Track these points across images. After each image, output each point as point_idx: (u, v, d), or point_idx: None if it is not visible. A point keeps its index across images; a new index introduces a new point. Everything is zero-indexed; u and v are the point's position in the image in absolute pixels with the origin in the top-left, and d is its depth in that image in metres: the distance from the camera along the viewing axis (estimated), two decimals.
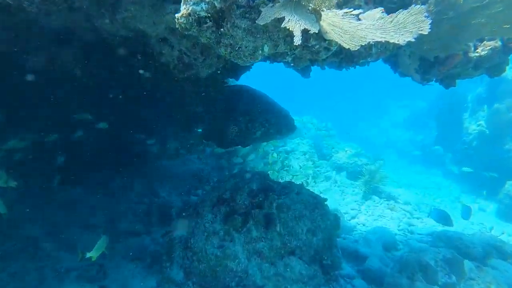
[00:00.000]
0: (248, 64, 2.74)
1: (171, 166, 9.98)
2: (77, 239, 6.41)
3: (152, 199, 7.83)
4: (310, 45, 2.58)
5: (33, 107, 6.03)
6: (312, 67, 5.45)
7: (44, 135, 6.20)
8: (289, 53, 2.73)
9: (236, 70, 5.57)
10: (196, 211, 4.79)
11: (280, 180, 9.93)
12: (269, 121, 5.39)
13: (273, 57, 3.24)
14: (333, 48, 2.75)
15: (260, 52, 2.49)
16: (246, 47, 2.41)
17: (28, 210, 6.61)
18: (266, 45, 2.44)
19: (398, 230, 7.40)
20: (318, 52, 2.70)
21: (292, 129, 5.55)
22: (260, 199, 4.63)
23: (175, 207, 7.75)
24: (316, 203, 4.85)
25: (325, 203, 5.03)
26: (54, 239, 6.15)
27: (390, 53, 3.71)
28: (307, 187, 9.30)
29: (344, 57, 3.67)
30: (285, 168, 10.21)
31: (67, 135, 6.57)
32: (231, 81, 6.65)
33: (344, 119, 25.03)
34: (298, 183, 9.58)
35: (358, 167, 10.66)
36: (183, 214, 5.60)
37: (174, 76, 3.61)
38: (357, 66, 5.39)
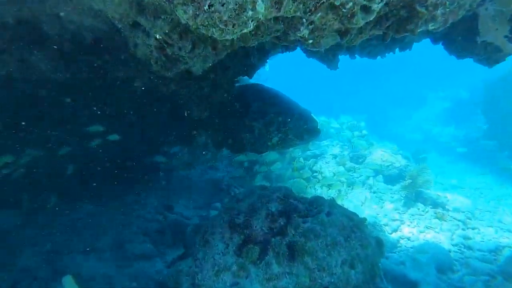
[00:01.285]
0: (233, 37, 1.81)
1: (190, 176, 9.28)
2: (79, 266, 5.78)
3: (166, 215, 7.09)
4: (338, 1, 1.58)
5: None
6: (340, 56, 4.47)
7: (55, 148, 5.73)
8: (304, 19, 1.77)
9: (248, 65, 4.68)
10: (204, 239, 3.94)
11: (309, 189, 9.03)
12: (287, 125, 4.42)
13: (279, 33, 2.28)
14: (376, 6, 1.74)
15: (250, 14, 1.55)
16: (224, 6, 1.48)
17: (29, 234, 6.09)
18: (260, 1, 1.49)
19: (452, 245, 6.20)
20: (352, 15, 1.72)
21: (314, 134, 4.53)
22: (282, 223, 3.71)
23: (191, 224, 6.99)
24: (353, 226, 3.86)
25: (365, 223, 4.02)
26: (53, 267, 5.55)
27: (463, 14, 2.50)
28: (340, 197, 8.37)
29: (392, 25, 2.53)
30: (314, 174, 9.19)
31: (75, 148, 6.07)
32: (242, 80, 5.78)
33: (376, 115, 23.51)
34: (329, 192, 8.63)
35: (396, 170, 9.45)
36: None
37: (160, 75, 2.75)
38: (402, 48, 4.37)
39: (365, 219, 4.06)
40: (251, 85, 5.44)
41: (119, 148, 6.75)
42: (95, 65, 3.83)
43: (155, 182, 8.50)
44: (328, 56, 4.06)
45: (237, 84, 5.30)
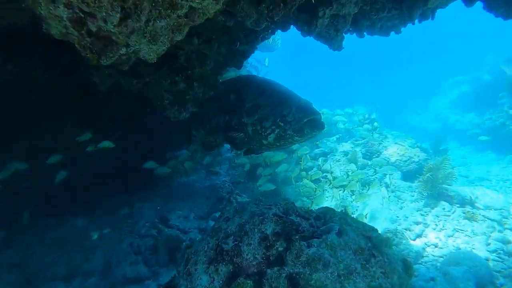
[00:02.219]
0: None
1: (191, 182, 8.61)
2: None
3: (161, 229, 6.39)
4: None
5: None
6: (345, 33, 3.63)
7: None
8: None
9: (234, 53, 3.89)
10: (186, 269, 3.17)
11: (319, 191, 8.18)
12: (285, 119, 3.55)
13: None
14: None
15: None
16: None
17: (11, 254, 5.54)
18: None
19: (489, 252, 5.30)
20: None
21: (317, 127, 3.57)
22: (280, 249, 2.91)
23: (188, 239, 6.30)
24: (372, 247, 3.03)
25: (389, 242, 3.18)
26: None
27: None
28: (355, 199, 7.50)
29: None
30: (324, 175, 8.33)
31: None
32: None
33: (387, 106, 22.43)
34: (341, 194, 7.77)
35: (415, 165, 8.52)
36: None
37: (99, 64, 1.97)
38: (423, 16, 3.51)
39: (387, 238, 3.21)
40: (240, 77, 4.63)
41: (112, 156, 6.18)
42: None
43: (152, 190, 7.87)
44: (330, 32, 3.23)
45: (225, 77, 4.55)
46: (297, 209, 3.46)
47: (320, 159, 8.97)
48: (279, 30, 3.91)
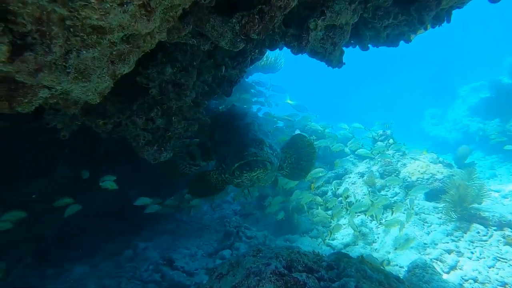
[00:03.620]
0: None
1: (199, 216, 8.14)
2: None
3: (165, 273, 5.89)
4: None
5: None
6: (345, 47, 3.11)
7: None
8: None
9: (220, 79, 3.41)
10: None
11: (335, 219, 7.51)
12: (225, 161, 3.55)
13: None
14: None
15: None
16: None
17: None
18: None
19: None
20: None
21: (251, 170, 3.43)
22: None
23: (193, 283, 5.75)
24: None
25: None
26: None
27: None
28: (374, 231, 6.80)
29: None
30: (339, 200, 7.68)
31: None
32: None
33: (402, 119, 21.63)
34: (359, 220, 7.09)
35: (439, 183, 7.76)
36: None
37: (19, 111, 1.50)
38: (436, 19, 2.97)
39: None
40: (220, 112, 4.38)
41: (111, 195, 5.81)
42: None
43: (159, 227, 7.43)
44: (326, 46, 2.72)
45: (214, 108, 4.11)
46: (304, 258, 2.87)
47: (334, 182, 8.33)
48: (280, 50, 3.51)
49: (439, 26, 3.00)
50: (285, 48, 3.39)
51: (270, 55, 9.37)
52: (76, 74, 1.43)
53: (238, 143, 3.66)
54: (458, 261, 5.36)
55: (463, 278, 4.93)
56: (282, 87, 10.19)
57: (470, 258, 5.39)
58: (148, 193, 6.26)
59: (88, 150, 5.86)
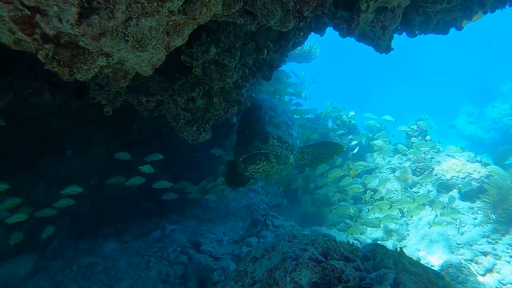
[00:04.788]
0: None
1: (226, 202, 8.21)
2: None
3: (192, 255, 5.98)
4: None
5: None
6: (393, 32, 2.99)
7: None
8: None
9: (261, 62, 3.37)
10: None
11: (366, 214, 7.37)
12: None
13: None
14: None
15: None
16: None
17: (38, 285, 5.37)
18: None
19: None
20: None
21: (251, 164, 3.68)
22: None
23: (219, 267, 5.79)
24: None
25: None
26: None
27: None
28: (403, 228, 6.63)
29: None
30: (370, 197, 7.51)
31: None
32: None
33: (436, 112, 20.81)
34: (390, 214, 6.91)
35: (475, 182, 7.43)
36: None
37: (67, 79, 1.52)
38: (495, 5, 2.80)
39: None
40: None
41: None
42: None
43: (186, 212, 7.57)
44: (375, 29, 2.62)
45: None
46: (340, 247, 2.81)
47: (364, 177, 8.15)
48: (315, 38, 3.43)
49: (501, 9, 2.81)
50: (318, 36, 3.32)
51: (305, 44, 9.09)
52: (134, 43, 1.43)
53: (246, 137, 3.80)
54: (496, 264, 5.13)
55: (501, 282, 4.71)
56: (316, 78, 9.99)
57: (508, 262, 5.15)
58: (177, 178, 6.38)
59: (122, 132, 6.01)
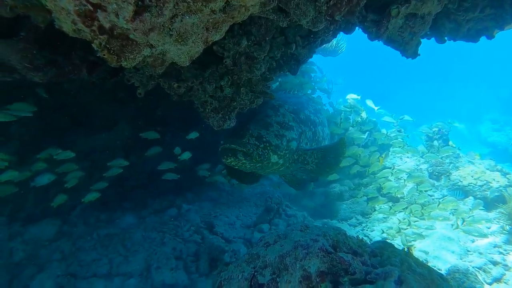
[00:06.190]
0: None
1: (241, 188, 8.39)
2: None
3: (205, 236, 6.22)
4: None
5: None
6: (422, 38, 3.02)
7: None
8: None
9: (289, 56, 3.46)
10: None
11: (377, 214, 7.42)
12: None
13: None
14: None
15: None
16: None
17: (59, 248, 5.71)
18: None
19: None
20: None
21: (222, 156, 3.89)
22: None
23: (230, 250, 6.01)
24: None
25: None
26: None
27: None
28: (416, 225, 6.66)
29: None
30: (382, 192, 7.57)
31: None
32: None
33: (458, 118, 20.30)
34: (399, 216, 6.94)
35: (493, 191, 7.37)
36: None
37: (115, 66, 1.68)
38: None
39: None
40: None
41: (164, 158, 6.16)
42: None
43: (202, 194, 7.79)
44: (404, 35, 2.67)
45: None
46: (349, 241, 2.94)
47: (380, 174, 8.17)
48: (341, 34, 3.49)
49: None
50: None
51: None
52: (177, 37, 1.57)
53: (233, 130, 3.91)
54: (504, 275, 5.15)
55: None
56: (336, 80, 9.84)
57: None
58: (199, 159, 6.57)
59: (147, 112, 6.21)
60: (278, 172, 4.91)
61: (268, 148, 4.09)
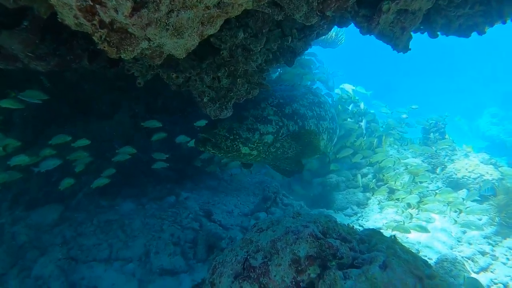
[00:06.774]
0: None
1: (240, 177, 8.51)
2: (97, 279, 5.31)
3: (203, 223, 6.35)
4: None
5: None
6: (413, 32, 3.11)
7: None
8: None
9: (285, 49, 3.55)
10: (211, 280, 2.96)
11: (371, 204, 7.55)
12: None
13: None
14: None
15: None
16: None
17: (61, 233, 5.83)
18: None
19: None
20: None
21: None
22: (312, 275, 2.55)
23: (227, 237, 6.16)
24: None
25: (444, 284, 2.65)
26: (70, 278, 5.12)
27: None
28: (410, 215, 6.79)
29: None
30: (377, 184, 7.69)
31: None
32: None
33: (457, 111, 20.41)
34: (393, 205, 7.08)
35: (485, 184, 7.49)
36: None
37: (117, 57, 1.78)
38: None
39: (442, 282, 2.68)
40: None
41: (164, 146, 6.26)
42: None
43: (200, 182, 7.90)
44: (394, 30, 2.76)
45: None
46: (339, 228, 3.07)
47: (376, 166, 8.30)
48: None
49: None
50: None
51: (331, 30, 9.05)
52: (173, 31, 1.66)
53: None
54: (491, 264, 5.30)
55: (492, 281, 4.90)
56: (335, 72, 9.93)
57: (504, 264, 5.32)
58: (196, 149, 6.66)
59: (147, 100, 6.29)
60: (255, 161, 5.07)
61: (238, 140, 4.29)
